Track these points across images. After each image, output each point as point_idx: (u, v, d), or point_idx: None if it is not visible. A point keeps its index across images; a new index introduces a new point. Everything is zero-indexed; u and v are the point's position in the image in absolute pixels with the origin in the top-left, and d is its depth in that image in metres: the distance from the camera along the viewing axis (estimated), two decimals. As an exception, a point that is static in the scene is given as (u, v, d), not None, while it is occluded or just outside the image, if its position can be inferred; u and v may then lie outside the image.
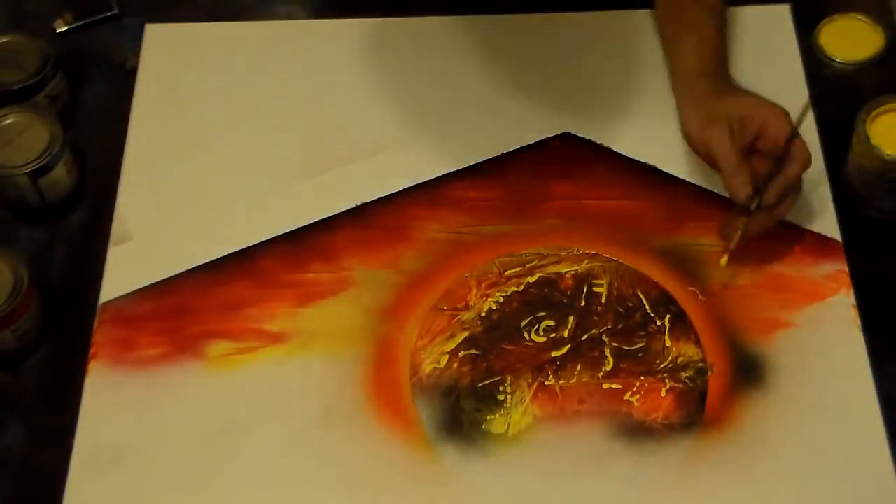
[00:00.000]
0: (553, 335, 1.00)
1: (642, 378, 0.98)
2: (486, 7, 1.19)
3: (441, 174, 1.09)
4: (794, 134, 0.99)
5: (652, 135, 1.09)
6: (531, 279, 1.03)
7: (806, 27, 1.17)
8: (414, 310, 1.02)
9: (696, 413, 0.96)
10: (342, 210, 1.07)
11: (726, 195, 1.00)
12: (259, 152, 1.11)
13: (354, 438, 0.96)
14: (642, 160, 1.09)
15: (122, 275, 1.04)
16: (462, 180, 1.09)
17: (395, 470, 0.94)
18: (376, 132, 1.11)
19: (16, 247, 1.05)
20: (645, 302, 1.02)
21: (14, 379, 1.00)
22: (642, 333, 1.00)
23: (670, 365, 0.99)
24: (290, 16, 1.20)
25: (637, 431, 0.96)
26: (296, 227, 1.06)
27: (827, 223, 1.05)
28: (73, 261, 1.06)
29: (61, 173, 1.07)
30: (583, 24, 1.17)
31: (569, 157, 1.10)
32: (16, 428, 0.98)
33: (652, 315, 1.01)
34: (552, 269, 1.04)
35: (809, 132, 1.09)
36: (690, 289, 1.02)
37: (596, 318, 1.01)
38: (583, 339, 1.00)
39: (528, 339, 1.00)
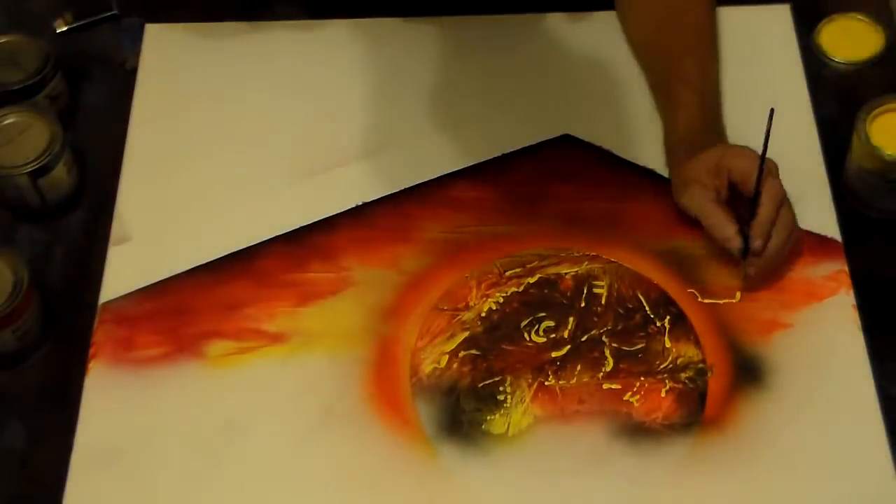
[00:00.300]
0: (553, 335, 1.00)
1: (642, 378, 0.98)
2: (487, 8, 1.19)
3: (441, 174, 1.09)
4: (760, 171, 0.96)
5: (651, 138, 1.09)
6: (531, 280, 1.03)
7: (806, 27, 1.17)
8: (414, 310, 1.02)
9: (696, 413, 0.96)
10: (342, 210, 1.07)
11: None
12: (259, 152, 1.11)
13: (354, 438, 0.96)
14: (641, 164, 1.09)
15: (121, 275, 1.04)
16: (462, 180, 1.09)
17: (395, 470, 0.94)
18: (376, 132, 1.12)
19: (16, 247, 1.05)
20: (645, 303, 1.02)
21: (14, 379, 1.00)
22: (642, 334, 1.00)
23: (670, 365, 0.99)
24: (290, 16, 1.20)
25: (637, 432, 0.96)
26: (296, 227, 1.06)
27: (827, 223, 1.05)
28: (73, 261, 1.06)
29: (61, 173, 1.07)
30: (584, 27, 1.17)
31: (568, 159, 1.10)
32: (16, 428, 0.98)
33: (652, 316, 1.01)
34: (552, 270, 1.03)
35: (809, 132, 1.10)
36: (690, 290, 1.02)
37: (596, 319, 1.01)
38: (583, 339, 1.00)
39: (528, 339, 1.00)
